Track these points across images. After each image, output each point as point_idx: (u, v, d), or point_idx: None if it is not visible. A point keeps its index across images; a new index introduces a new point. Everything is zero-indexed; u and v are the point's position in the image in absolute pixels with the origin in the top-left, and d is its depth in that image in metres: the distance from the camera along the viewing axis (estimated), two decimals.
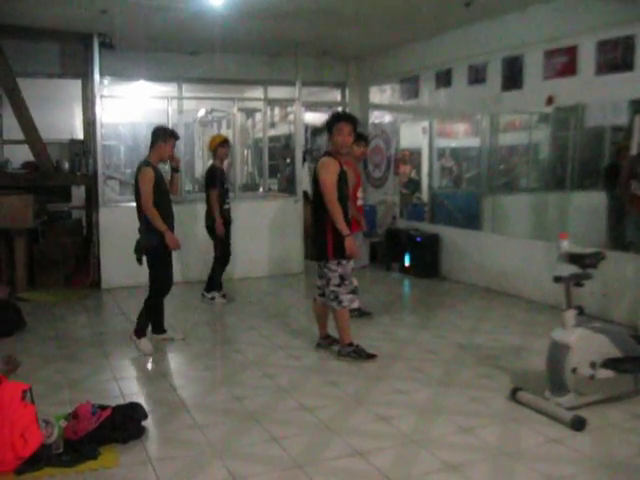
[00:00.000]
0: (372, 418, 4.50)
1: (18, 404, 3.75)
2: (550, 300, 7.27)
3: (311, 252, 5.94)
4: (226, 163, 8.63)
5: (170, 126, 9.71)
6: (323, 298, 5.83)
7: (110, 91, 9.51)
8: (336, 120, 5.73)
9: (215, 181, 7.87)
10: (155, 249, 6.01)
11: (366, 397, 4.92)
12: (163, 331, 6.48)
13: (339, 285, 5.63)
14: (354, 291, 5.75)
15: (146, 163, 6.05)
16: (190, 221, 8.79)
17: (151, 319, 6.29)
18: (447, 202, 9.66)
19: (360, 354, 5.70)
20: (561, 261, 4.62)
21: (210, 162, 8.34)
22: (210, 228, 8.01)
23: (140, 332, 6.15)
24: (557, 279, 4.58)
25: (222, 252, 8.07)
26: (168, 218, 6.08)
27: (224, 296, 8.11)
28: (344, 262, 5.61)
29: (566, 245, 4.59)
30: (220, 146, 8.01)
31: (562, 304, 4.64)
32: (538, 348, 5.71)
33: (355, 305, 6.00)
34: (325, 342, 6.06)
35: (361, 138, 7.38)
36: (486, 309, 7.73)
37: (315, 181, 5.66)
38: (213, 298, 8.09)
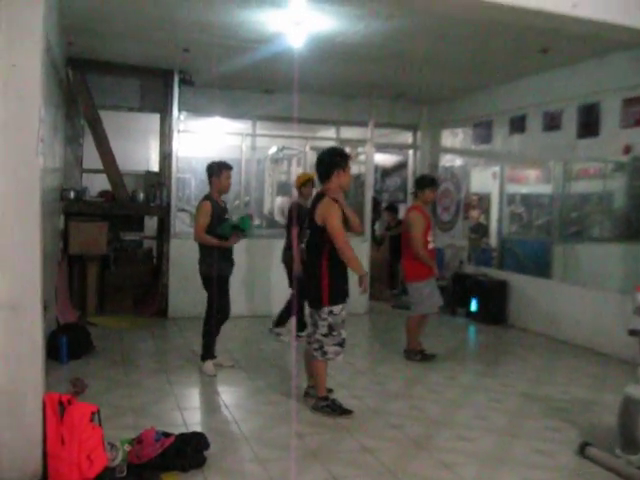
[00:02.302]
0: (434, 464, 4.41)
1: (87, 425, 3.82)
2: (622, 354, 7.03)
3: (308, 296, 5.51)
4: (278, 200, 8.68)
5: (243, 162, 9.98)
6: None
7: (186, 126, 9.77)
8: (348, 158, 5.51)
9: (296, 218, 7.88)
10: (210, 277, 6.38)
11: (428, 442, 4.83)
12: (214, 356, 6.66)
13: (326, 335, 5.27)
14: (341, 344, 5.33)
15: (205, 197, 6.54)
16: (258, 256, 8.87)
17: (211, 342, 6.53)
18: (516, 248, 9.50)
19: (334, 409, 5.32)
20: (637, 314, 4.47)
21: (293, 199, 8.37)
22: (287, 264, 8.00)
23: (205, 355, 6.49)
24: (632, 332, 4.45)
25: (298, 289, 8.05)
26: (225, 251, 6.46)
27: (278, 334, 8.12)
28: (336, 311, 5.25)
29: None
30: (304, 186, 7.98)
31: (636, 358, 4.48)
32: (608, 403, 5.52)
33: (340, 359, 5.46)
34: (313, 391, 5.64)
35: (433, 183, 7.40)
36: (554, 360, 7.53)
37: (312, 221, 5.34)
38: (279, 334, 8.10)
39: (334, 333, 5.28)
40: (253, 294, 9.10)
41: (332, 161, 5.40)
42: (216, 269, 6.41)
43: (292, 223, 7.86)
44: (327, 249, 5.23)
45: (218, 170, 6.51)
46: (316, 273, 5.28)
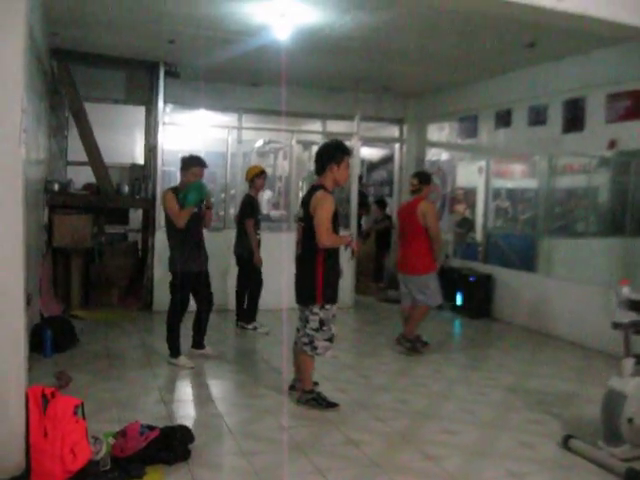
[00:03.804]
0: (419, 456, 4.42)
1: (70, 418, 3.80)
2: (606, 347, 7.08)
3: (297, 294, 5.37)
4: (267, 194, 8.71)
5: (229, 155, 9.94)
6: None
7: (172, 119, 9.72)
8: (345, 153, 5.37)
9: (252, 211, 7.97)
10: (176, 272, 6.43)
11: (414, 435, 4.84)
12: (202, 347, 6.81)
13: (317, 330, 5.22)
14: (331, 339, 5.30)
15: (170, 188, 6.55)
16: (228, 248, 8.84)
17: (176, 337, 6.55)
18: (502, 243, 9.54)
19: (320, 402, 5.31)
20: (621, 307, 4.50)
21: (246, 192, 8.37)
22: (240, 257, 8.09)
23: (173, 352, 6.52)
24: (616, 325, 4.47)
25: (257, 281, 8.10)
26: (194, 244, 6.43)
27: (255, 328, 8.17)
28: (328, 307, 5.22)
29: (627, 291, 4.47)
30: (257, 177, 8.11)
31: (620, 352, 4.51)
32: (592, 396, 5.54)
33: (329, 354, 5.40)
34: (299, 384, 5.60)
35: (431, 178, 7.58)
36: (538, 353, 7.57)
37: (307, 213, 5.22)
38: (255, 328, 8.10)
39: (324, 328, 5.25)
40: (225, 286, 9.05)
41: (328, 155, 5.32)
42: (181, 265, 6.37)
43: (245, 215, 7.91)
44: None
45: (189, 163, 6.39)
46: (310, 270, 5.21)
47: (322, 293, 5.19)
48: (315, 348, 5.29)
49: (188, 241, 6.37)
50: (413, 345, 7.20)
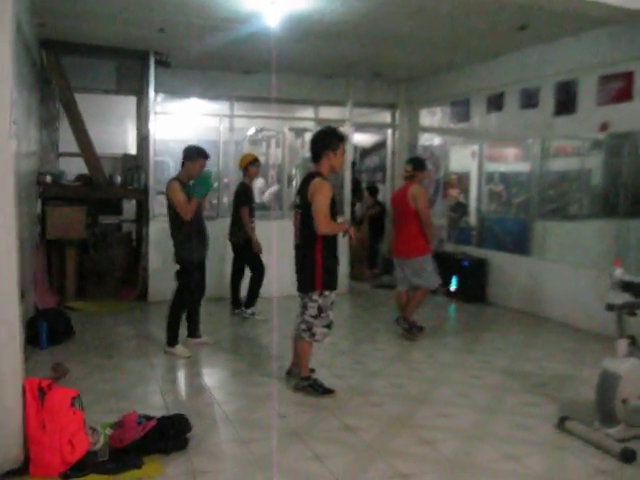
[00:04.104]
0: (415, 441, 4.45)
1: (67, 410, 3.81)
2: (600, 329, 7.12)
3: (299, 279, 5.38)
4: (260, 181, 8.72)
5: (221, 143, 9.92)
6: None
7: (163, 108, 9.68)
8: (341, 139, 5.35)
9: (247, 199, 7.99)
10: (185, 260, 6.45)
11: (410, 419, 4.87)
12: (199, 336, 6.87)
13: (315, 317, 5.25)
14: (329, 325, 5.34)
15: (173, 178, 6.50)
16: (222, 237, 8.85)
17: (177, 326, 6.57)
18: (495, 227, 9.56)
19: (316, 389, 5.33)
20: (614, 289, 4.52)
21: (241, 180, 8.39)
22: (236, 244, 8.11)
23: (171, 341, 6.53)
24: (609, 307, 4.49)
25: (260, 267, 8.13)
26: (199, 232, 6.49)
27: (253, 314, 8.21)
28: (327, 293, 5.24)
29: (619, 273, 4.50)
30: (251, 165, 8.14)
31: (614, 333, 4.54)
32: (587, 377, 5.60)
33: (327, 341, 5.50)
34: (296, 369, 5.63)
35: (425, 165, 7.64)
36: (533, 336, 7.61)
37: (304, 201, 5.23)
38: (253, 314, 8.13)
39: (323, 315, 5.28)
40: (221, 275, 9.07)
41: (324, 142, 5.32)
42: (190, 253, 6.45)
43: (239, 203, 7.92)
44: None
45: (196, 156, 6.45)
46: (310, 257, 5.22)
47: (321, 280, 5.21)
48: (313, 335, 5.32)
49: (194, 229, 6.44)
50: (410, 329, 7.23)
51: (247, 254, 8.09)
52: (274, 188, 12.41)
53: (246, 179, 8.18)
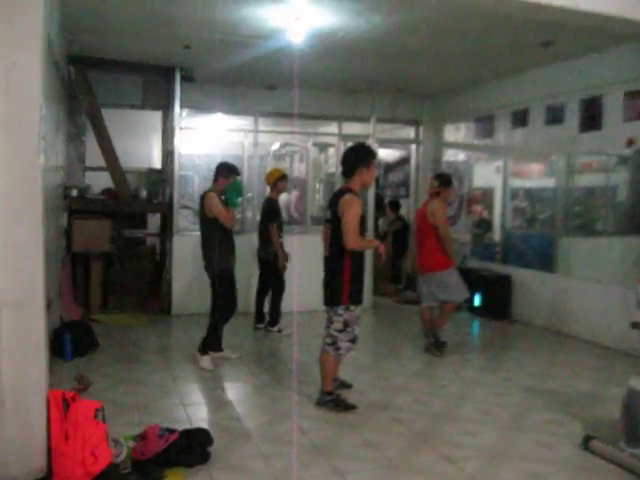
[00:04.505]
0: (438, 458, 4.41)
1: (91, 422, 3.83)
2: (626, 347, 7.03)
3: (326, 293, 5.38)
4: (293, 196, 8.77)
5: (245, 158, 9.99)
6: None
7: (188, 123, 9.77)
8: (373, 156, 5.42)
9: (276, 214, 8.02)
10: (224, 272, 6.52)
11: (432, 436, 4.84)
12: (221, 349, 6.88)
13: (341, 331, 5.26)
14: (354, 340, 5.34)
15: (210, 190, 6.61)
16: (249, 251, 8.89)
17: (217, 338, 6.70)
18: (520, 243, 9.49)
19: (338, 404, 5.34)
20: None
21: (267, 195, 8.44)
22: (266, 261, 8.13)
23: (207, 349, 6.60)
24: (635, 325, 4.44)
25: (280, 284, 8.16)
26: (230, 244, 6.58)
27: (280, 330, 8.22)
28: (352, 308, 5.26)
29: None
30: (279, 180, 8.19)
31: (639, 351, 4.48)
32: (612, 396, 5.51)
33: (350, 355, 5.52)
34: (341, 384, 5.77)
35: (451, 182, 7.61)
36: (558, 353, 7.53)
37: (335, 216, 5.22)
38: (280, 330, 8.15)
39: (348, 329, 5.28)
40: (248, 289, 9.11)
41: (357, 158, 5.36)
42: (227, 263, 6.55)
43: (269, 219, 7.94)
44: None
45: (228, 173, 6.60)
46: (337, 271, 5.23)
47: (347, 294, 5.22)
48: (338, 349, 5.32)
49: (229, 240, 6.58)
50: (435, 344, 7.19)
51: (271, 269, 8.12)
52: (294, 194, 12.47)
53: (273, 194, 8.21)
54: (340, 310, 5.25)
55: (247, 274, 8.89)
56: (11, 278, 3.69)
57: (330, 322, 5.32)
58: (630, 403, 4.36)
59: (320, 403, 5.41)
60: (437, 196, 7.21)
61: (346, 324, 5.26)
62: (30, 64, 3.72)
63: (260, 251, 8.22)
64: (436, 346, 7.21)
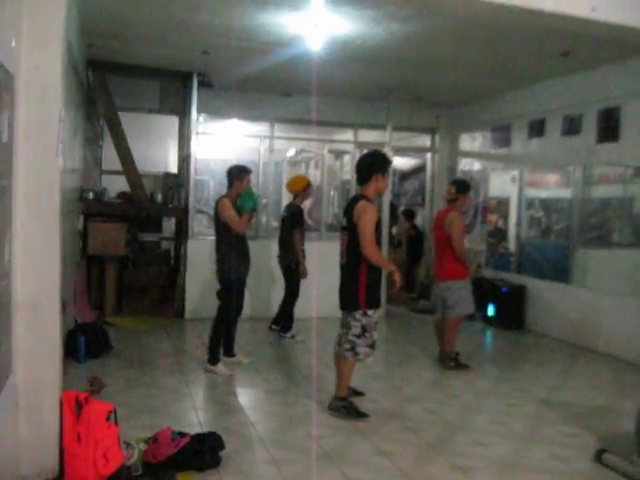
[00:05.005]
0: (450, 468, 4.39)
1: (103, 424, 3.84)
2: None
3: (342, 299, 5.41)
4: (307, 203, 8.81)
5: (261, 164, 10.01)
6: None
7: (205, 128, 9.81)
8: (388, 163, 5.49)
9: (301, 222, 8.03)
10: (230, 279, 6.52)
11: (444, 446, 4.81)
12: (233, 354, 6.93)
13: (359, 336, 5.26)
14: (373, 345, 5.34)
15: (224, 196, 6.62)
16: (268, 257, 8.90)
17: (219, 344, 6.66)
18: (535, 253, 9.44)
19: (350, 411, 5.32)
20: None
21: (290, 202, 8.46)
22: (288, 268, 8.12)
23: (214, 359, 6.58)
24: None
25: (297, 290, 8.16)
26: (242, 251, 6.57)
27: (292, 336, 8.22)
28: (370, 313, 5.27)
29: None
30: (306, 188, 8.19)
31: None
32: (627, 409, 5.47)
33: (369, 361, 5.48)
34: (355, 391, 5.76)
35: (470, 189, 7.63)
36: (572, 365, 7.47)
37: (350, 222, 5.26)
38: (293, 336, 8.15)
39: (367, 334, 5.28)
40: (267, 295, 9.13)
41: (372, 165, 5.39)
42: (236, 270, 6.52)
43: (293, 226, 7.94)
44: None
45: (240, 174, 6.60)
46: (355, 276, 5.24)
47: (365, 299, 5.24)
48: (357, 354, 5.32)
49: (241, 247, 6.58)
50: (457, 362, 7.07)
51: (291, 275, 8.11)
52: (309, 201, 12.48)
53: (298, 201, 8.22)
54: (358, 315, 5.25)
55: (262, 280, 8.92)
56: (28, 280, 3.72)
57: (348, 327, 5.31)
58: None
59: (332, 408, 5.40)
60: (454, 202, 7.16)
61: (364, 329, 5.27)
62: (51, 67, 3.77)
63: (282, 258, 8.21)
64: (458, 365, 7.07)
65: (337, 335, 5.52)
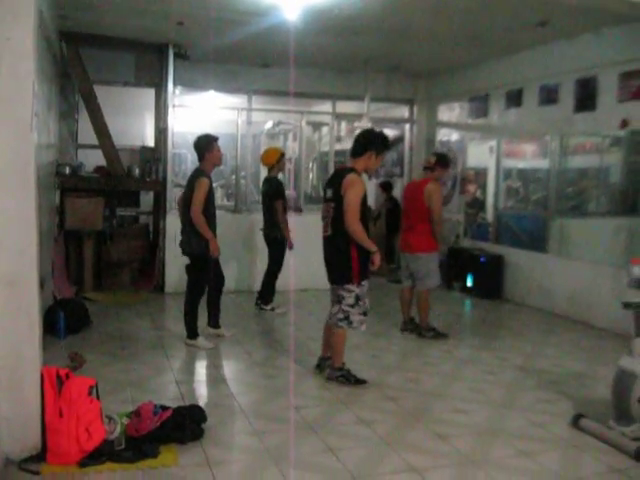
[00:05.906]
0: (429, 435, 4.45)
1: (84, 399, 3.85)
2: (617, 327, 7.08)
3: (332, 273, 5.43)
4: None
5: (239, 136, 9.94)
6: None
7: (181, 101, 9.72)
8: (387, 146, 5.52)
9: (281, 193, 8.01)
10: (198, 255, 6.37)
11: (424, 414, 4.88)
12: (218, 326, 6.95)
13: (353, 305, 5.31)
14: (365, 312, 5.41)
15: (202, 173, 6.32)
16: (250, 230, 8.90)
17: (195, 319, 6.57)
18: (513, 223, 9.52)
19: (348, 379, 5.41)
20: (631, 287, 4.49)
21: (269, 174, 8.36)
22: (274, 239, 8.10)
23: (192, 334, 6.53)
24: (626, 305, 4.45)
25: (280, 263, 8.16)
26: (212, 226, 6.37)
27: (272, 309, 8.22)
28: (363, 283, 5.32)
29: (637, 271, 4.47)
30: (280, 159, 8.14)
31: (630, 332, 4.51)
32: (603, 375, 5.57)
33: (363, 328, 5.50)
34: (327, 362, 5.68)
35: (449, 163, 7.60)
36: (549, 333, 7.58)
37: (337, 195, 5.22)
38: (273, 309, 8.16)
39: (360, 303, 5.34)
40: (250, 268, 9.13)
41: (371, 141, 5.38)
42: (207, 245, 6.30)
43: (273, 199, 7.91)
44: None
45: (209, 145, 6.37)
46: (344, 250, 5.23)
47: (358, 272, 5.26)
48: (351, 323, 5.37)
49: (211, 221, 6.36)
50: (435, 332, 7.13)
51: (276, 248, 8.09)
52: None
53: (274, 173, 8.16)
54: (352, 287, 5.28)
55: (245, 253, 8.91)
56: (4, 256, 3.69)
57: (341, 298, 5.33)
58: (620, 382, 4.40)
59: (330, 378, 5.47)
60: (431, 172, 7.14)
61: (358, 298, 5.32)
62: (22, 39, 3.69)
63: (266, 230, 8.17)
64: (437, 335, 7.11)
65: (329, 311, 5.53)
